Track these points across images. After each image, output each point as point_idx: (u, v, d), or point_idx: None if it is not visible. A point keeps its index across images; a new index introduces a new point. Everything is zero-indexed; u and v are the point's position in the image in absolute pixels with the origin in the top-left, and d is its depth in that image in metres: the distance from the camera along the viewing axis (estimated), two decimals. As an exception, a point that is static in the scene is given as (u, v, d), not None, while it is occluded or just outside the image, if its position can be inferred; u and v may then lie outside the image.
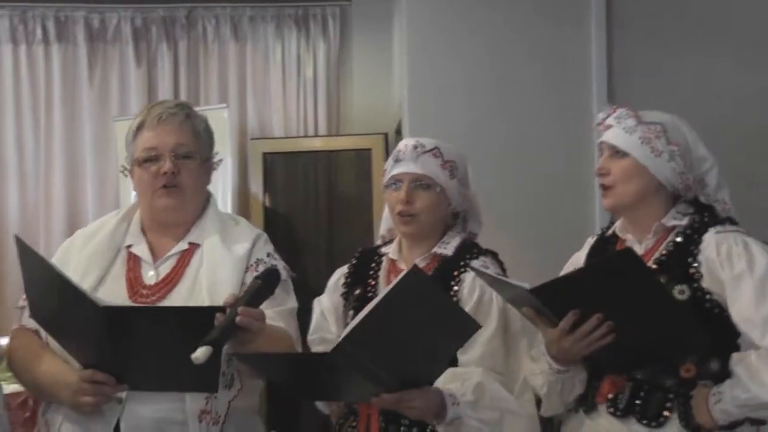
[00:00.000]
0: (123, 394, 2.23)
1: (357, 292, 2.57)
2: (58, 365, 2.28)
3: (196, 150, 2.43)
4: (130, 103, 5.88)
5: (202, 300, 2.32)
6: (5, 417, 2.35)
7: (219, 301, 2.18)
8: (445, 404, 2.30)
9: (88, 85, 5.89)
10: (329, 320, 2.66)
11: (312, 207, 5.68)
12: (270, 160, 5.61)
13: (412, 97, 4.61)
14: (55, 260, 2.41)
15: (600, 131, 2.50)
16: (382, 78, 5.77)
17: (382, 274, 2.61)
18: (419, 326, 2.11)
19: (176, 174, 2.38)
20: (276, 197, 5.61)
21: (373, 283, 2.60)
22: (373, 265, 2.65)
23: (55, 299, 2.18)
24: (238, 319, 2.06)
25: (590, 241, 2.59)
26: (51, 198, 5.85)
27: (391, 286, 2.15)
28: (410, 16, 4.63)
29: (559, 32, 4.53)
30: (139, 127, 2.43)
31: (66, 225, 5.80)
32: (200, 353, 2.00)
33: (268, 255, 2.47)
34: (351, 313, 2.53)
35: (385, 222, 2.74)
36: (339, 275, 2.71)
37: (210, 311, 2.10)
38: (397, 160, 2.59)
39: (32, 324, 2.36)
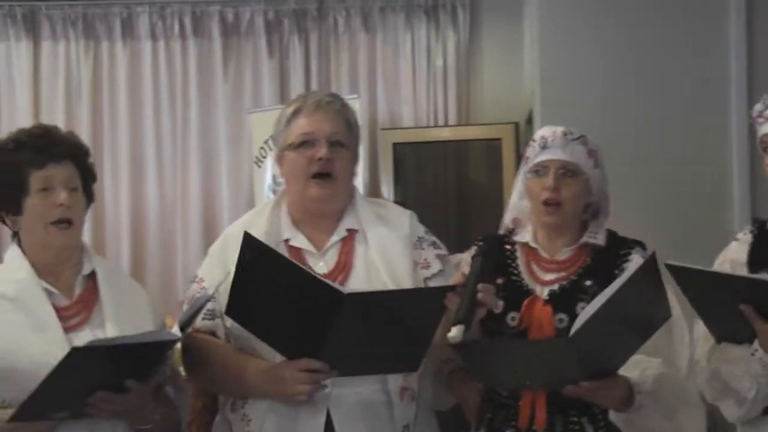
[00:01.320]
0: (328, 382, 2.26)
1: (499, 281, 2.50)
2: (262, 362, 2.33)
3: (349, 140, 2.47)
4: (263, 96, 5.98)
5: (384, 282, 2.35)
6: (185, 392, 2.44)
7: (400, 281, 2.29)
8: (633, 392, 2.28)
9: (222, 78, 6.02)
10: None
11: (441, 197, 5.67)
12: (399, 150, 5.63)
13: (544, 85, 4.55)
14: (213, 257, 2.47)
15: (759, 123, 2.39)
16: (512, 66, 5.72)
17: (520, 263, 2.56)
18: (635, 314, 2.15)
19: (331, 161, 2.41)
20: (405, 187, 5.62)
21: (516, 272, 2.55)
22: (507, 253, 2.59)
23: (284, 292, 2.19)
24: (480, 296, 2.15)
25: (745, 235, 2.46)
26: (187, 190, 6.00)
27: (625, 275, 2.18)
28: (542, 0, 4.56)
29: (700, 15, 4.38)
30: (295, 113, 2.46)
31: (201, 216, 5.95)
32: (456, 332, 2.09)
33: (426, 232, 2.53)
34: (501, 303, 2.47)
35: (511, 211, 2.68)
36: (456, 262, 2.67)
37: (441, 291, 2.18)
38: (543, 147, 2.53)
39: (207, 327, 2.42)
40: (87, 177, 2.40)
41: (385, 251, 2.41)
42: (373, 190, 5.66)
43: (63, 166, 2.31)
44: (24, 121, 5.84)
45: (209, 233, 5.85)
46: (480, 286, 2.17)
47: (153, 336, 2.18)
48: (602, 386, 2.22)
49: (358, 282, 2.36)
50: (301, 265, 2.23)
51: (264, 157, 5.54)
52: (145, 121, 6.03)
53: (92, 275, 2.37)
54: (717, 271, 2.32)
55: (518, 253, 2.58)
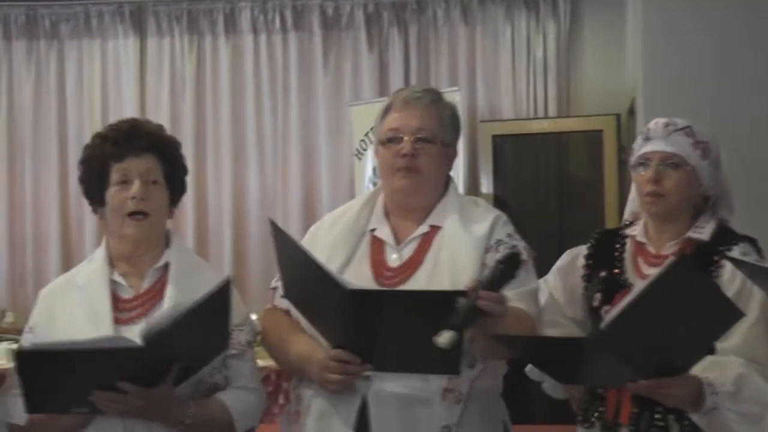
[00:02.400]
0: (370, 373, 2.26)
1: (602, 274, 2.48)
2: (308, 343, 2.34)
3: (438, 135, 2.45)
4: (363, 89, 6.02)
5: (443, 283, 2.32)
6: (263, 392, 2.45)
7: (460, 283, 2.19)
8: (703, 393, 2.22)
9: (322, 71, 6.07)
10: (561, 301, 2.62)
11: (541, 190, 5.62)
12: (499, 143, 5.60)
13: (646, 75, 4.46)
14: (305, 243, 2.49)
15: None
16: (614, 56, 5.63)
17: (627, 257, 2.52)
18: (681, 313, 2.07)
19: (415, 156, 2.41)
20: (504, 180, 5.59)
21: (619, 266, 2.52)
22: (617, 246, 2.56)
23: (306, 281, 2.25)
24: (481, 303, 2.08)
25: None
26: (288, 181, 6.07)
27: (656, 273, 2.12)
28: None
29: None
30: (387, 109, 2.48)
31: (302, 208, 6.03)
32: (444, 338, 2.03)
33: (509, 235, 2.44)
34: (599, 296, 2.44)
35: (630, 204, 2.65)
36: (573, 256, 2.64)
37: (451, 295, 2.11)
38: (646, 139, 2.50)
39: (284, 304, 2.44)
40: (173, 169, 2.41)
41: (455, 252, 2.38)
42: (472, 183, 5.64)
43: (142, 158, 2.33)
44: (130, 114, 5.98)
45: (309, 224, 5.86)
46: (482, 293, 2.08)
47: (107, 342, 2.13)
48: (661, 385, 2.16)
49: (421, 280, 2.35)
50: (313, 256, 2.22)
51: (364, 150, 5.57)
52: (246, 114, 6.13)
53: (168, 267, 2.39)
54: None
55: (627, 247, 2.55)
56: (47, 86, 6.20)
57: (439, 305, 2.10)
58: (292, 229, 5.96)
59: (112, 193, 2.31)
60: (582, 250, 2.62)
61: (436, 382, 2.29)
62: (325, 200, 5.98)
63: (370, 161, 5.52)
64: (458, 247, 2.38)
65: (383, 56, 6.07)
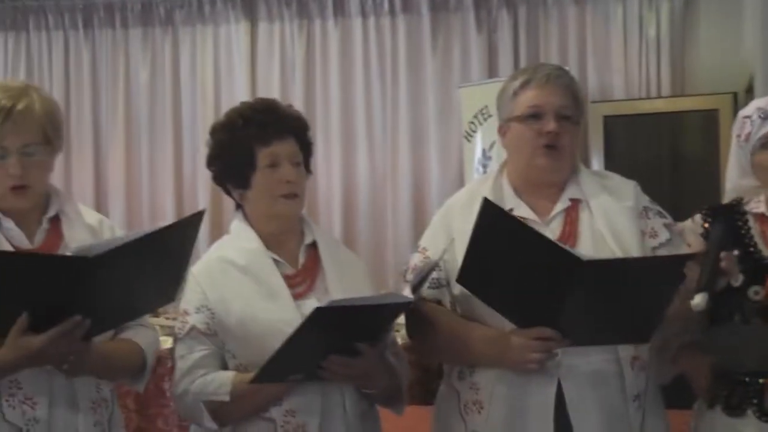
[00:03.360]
0: (558, 351, 2.27)
1: (736, 253, 2.41)
2: (488, 329, 2.35)
3: (575, 113, 2.47)
4: (472, 71, 5.98)
5: (612, 250, 2.35)
6: (404, 359, 2.49)
7: (630, 251, 2.31)
8: None
9: (431, 54, 6.06)
10: None
11: (654, 171, 5.51)
12: (610, 124, 5.50)
13: (765, 52, 4.32)
14: (434, 229, 2.51)
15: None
16: (731, 33, 5.47)
17: (756, 234, 2.46)
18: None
19: (558, 135, 2.41)
20: (616, 161, 5.49)
21: (752, 244, 2.45)
22: (739, 224, 2.50)
23: (520, 258, 2.21)
24: (723, 264, 2.15)
25: None
26: (397, 164, 6.09)
27: None
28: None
29: None
30: (524, 85, 2.47)
31: (411, 191, 6.03)
32: (699, 299, 2.09)
33: (650, 201, 2.53)
34: (741, 277, 2.39)
35: (730, 193, 2.57)
36: (682, 229, 2.58)
37: (684, 259, 2.17)
38: (766, 118, 2.44)
39: (432, 296, 2.46)
40: (306, 151, 2.46)
41: (611, 221, 2.40)
42: (584, 163, 5.55)
43: (287, 142, 2.38)
44: (242, 97, 6.08)
45: (419, 207, 5.93)
46: (722, 254, 2.15)
47: (389, 298, 2.24)
48: None
49: (585, 251, 2.33)
50: (540, 232, 2.24)
51: (474, 132, 5.55)
52: (356, 97, 6.16)
53: (313, 245, 2.45)
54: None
55: (751, 224, 2.48)
56: (162, 72, 6.34)
57: (667, 271, 2.16)
58: (401, 211, 6.00)
59: (261, 177, 2.36)
60: (689, 224, 2.55)
61: (626, 351, 2.32)
62: (435, 183, 5.98)
63: (479, 143, 5.49)
64: (613, 216, 2.42)
65: (492, 37, 6.02)
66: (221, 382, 2.26)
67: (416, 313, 2.43)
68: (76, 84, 6.37)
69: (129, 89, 6.36)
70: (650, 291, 2.15)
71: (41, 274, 1.98)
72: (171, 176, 6.28)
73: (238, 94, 6.12)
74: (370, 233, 6.06)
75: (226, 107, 6.07)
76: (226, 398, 2.25)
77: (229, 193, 2.47)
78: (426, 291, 2.45)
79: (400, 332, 2.56)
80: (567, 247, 2.21)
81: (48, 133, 2.25)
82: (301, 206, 2.44)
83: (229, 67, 6.29)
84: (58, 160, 2.38)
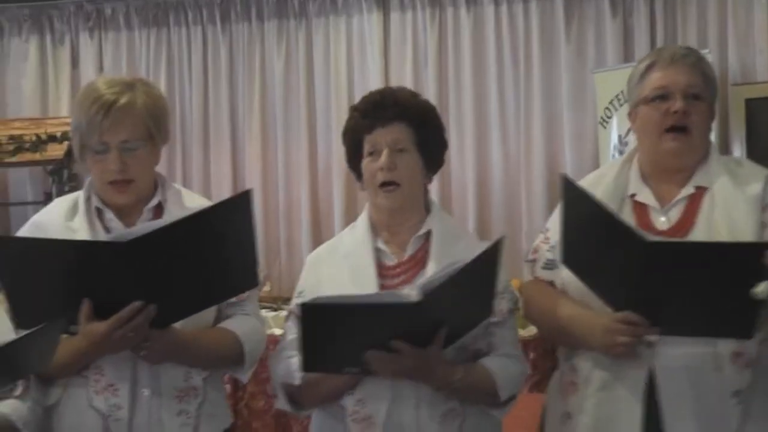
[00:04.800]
0: (654, 338, 2.22)
1: None
2: (583, 310, 2.32)
3: (705, 93, 2.40)
4: (607, 55, 5.87)
5: None
6: (524, 360, 2.44)
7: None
8: None
9: (565, 39, 5.96)
10: None
11: (801, 156, 5.30)
12: (752, 106, 5.32)
13: None
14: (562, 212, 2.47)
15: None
16: None
17: None
18: None
19: (687, 114, 2.35)
20: (758, 146, 5.31)
21: None
22: None
23: (596, 236, 2.19)
24: None
25: None
26: (531, 151, 6.02)
27: None
28: None
29: None
30: (649, 67, 2.43)
31: (545, 177, 5.95)
32: (764, 287, 1.99)
33: None
34: None
35: None
36: None
37: (760, 247, 2.08)
38: None
39: (546, 276, 2.43)
40: (425, 136, 2.38)
41: (730, 211, 2.31)
42: (723, 149, 5.39)
43: (390, 128, 2.32)
44: (375, 85, 6.11)
45: (553, 195, 5.84)
46: None
47: (386, 298, 2.12)
48: None
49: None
50: (607, 206, 2.18)
51: (609, 117, 5.44)
52: (488, 84, 6.12)
53: (429, 235, 2.38)
54: None
55: None
56: (296, 64, 6.41)
57: (743, 258, 2.05)
58: (535, 198, 5.95)
59: (365, 165, 2.36)
60: None
61: (726, 346, 2.23)
62: (569, 171, 5.87)
63: (615, 129, 5.39)
64: (733, 207, 2.32)
65: (627, 21, 5.89)
66: (293, 367, 2.26)
67: (523, 295, 2.42)
68: (213, 78, 6.50)
69: (264, 82, 6.46)
70: (731, 279, 2.03)
71: (84, 260, 2.01)
72: (306, 167, 6.35)
73: (372, 85, 6.13)
74: (504, 222, 6.01)
75: (359, 98, 6.15)
76: (297, 382, 2.26)
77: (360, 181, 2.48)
78: (539, 271, 2.45)
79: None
80: (631, 226, 2.14)
81: (150, 128, 2.27)
82: (406, 195, 2.34)
83: (362, 58, 6.33)
84: (197, 153, 2.42)
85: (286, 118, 6.42)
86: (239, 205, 2.11)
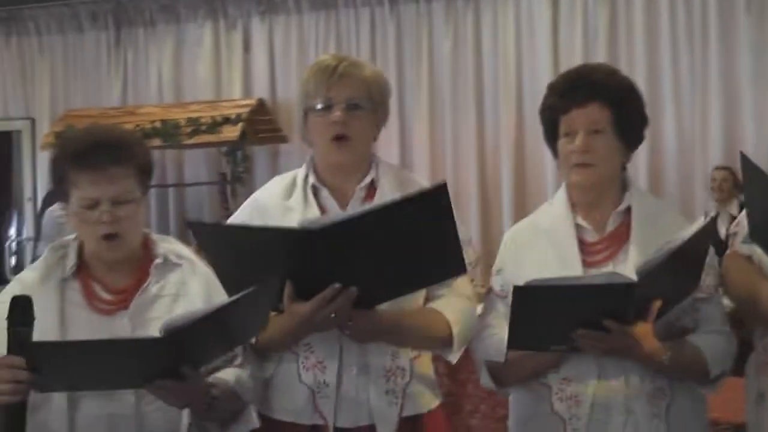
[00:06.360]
0: None
1: None
2: None
3: None
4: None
5: None
6: (733, 336, 2.38)
7: None
8: None
9: (745, 14, 5.76)
10: None
11: None
12: None
13: None
14: None
15: None
16: None
17: None
18: None
19: None
20: None
21: None
22: None
23: None
24: None
25: None
26: (707, 128, 5.87)
27: None
28: None
29: None
30: None
31: (723, 154, 5.78)
32: None
33: None
34: None
35: None
36: None
37: None
38: None
39: (745, 250, 2.36)
40: (624, 116, 2.29)
41: None
42: None
43: (586, 109, 2.26)
44: (544, 64, 6.09)
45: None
46: None
47: (601, 279, 2.08)
48: None
49: None
50: None
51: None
52: (662, 62, 5.99)
53: (629, 211, 2.32)
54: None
55: None
56: (464, 43, 6.41)
57: None
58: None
59: (560, 145, 2.33)
60: None
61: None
62: (749, 148, 5.66)
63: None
64: None
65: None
66: (499, 345, 2.23)
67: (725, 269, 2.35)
68: (381, 58, 6.56)
69: (432, 62, 6.47)
70: None
71: (285, 246, 2.05)
72: (473, 147, 6.35)
73: (540, 64, 6.10)
74: (677, 198, 5.87)
75: (527, 77, 6.19)
76: (501, 359, 2.24)
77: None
78: (739, 245, 2.36)
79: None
80: None
81: (373, 95, 2.31)
82: (596, 175, 2.27)
83: (530, 37, 6.27)
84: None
85: (454, 98, 6.42)
86: (435, 197, 2.10)
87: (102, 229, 2.02)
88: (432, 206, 2.09)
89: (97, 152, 2.02)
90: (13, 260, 7.05)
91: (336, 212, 2.16)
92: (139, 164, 2.08)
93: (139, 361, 1.88)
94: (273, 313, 2.14)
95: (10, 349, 1.83)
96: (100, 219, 2.01)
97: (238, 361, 2.12)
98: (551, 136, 2.36)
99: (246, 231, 2.16)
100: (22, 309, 1.84)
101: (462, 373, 4.57)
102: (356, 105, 2.28)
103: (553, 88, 2.36)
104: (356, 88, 2.28)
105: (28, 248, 6.75)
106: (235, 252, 2.10)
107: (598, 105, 2.28)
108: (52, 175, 2.10)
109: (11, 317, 1.84)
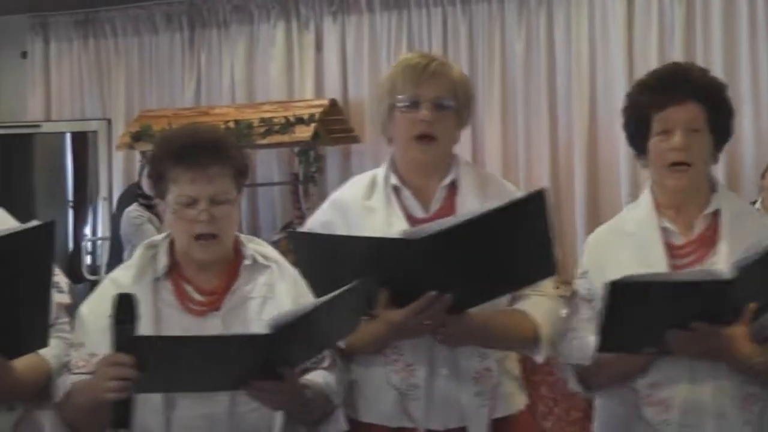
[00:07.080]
0: None
1: None
2: None
3: None
4: None
5: None
6: None
7: None
8: None
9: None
10: None
11: None
12: None
13: None
14: None
15: None
16: None
17: None
18: None
19: None
20: None
21: None
22: None
23: None
24: None
25: None
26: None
27: None
28: None
29: None
30: None
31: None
32: None
33: None
34: None
35: None
36: None
37: None
38: None
39: None
40: (717, 115, 2.29)
41: None
42: None
43: (683, 107, 2.24)
44: (618, 63, 6.01)
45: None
46: None
47: (698, 275, 2.06)
48: None
49: None
50: None
51: None
52: (740, 63, 5.87)
53: (717, 214, 2.30)
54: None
55: None
56: (537, 43, 6.35)
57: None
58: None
59: (653, 144, 2.29)
60: None
61: None
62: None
63: None
64: None
65: None
66: (586, 348, 2.22)
67: None
68: (453, 59, 6.49)
69: (505, 61, 6.43)
70: None
71: (380, 254, 2.08)
72: (546, 148, 6.30)
73: (614, 62, 6.04)
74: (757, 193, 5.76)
75: (601, 76, 6.11)
76: (587, 362, 2.22)
77: (638, 159, 2.42)
78: None
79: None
80: None
81: (459, 96, 2.31)
82: (693, 177, 2.25)
83: (604, 36, 6.19)
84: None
85: (527, 98, 6.37)
86: (536, 203, 2.11)
87: (198, 228, 2.04)
88: (532, 212, 2.10)
89: (198, 151, 2.05)
90: (88, 259, 7.18)
91: (436, 221, 2.15)
92: (236, 165, 2.10)
93: (240, 360, 1.89)
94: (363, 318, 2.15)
95: (118, 346, 1.85)
96: (198, 217, 2.03)
97: (326, 363, 2.13)
98: (638, 133, 2.32)
99: (344, 240, 2.18)
100: (128, 306, 1.86)
101: (536, 375, 4.54)
102: (443, 105, 2.29)
103: (644, 85, 2.33)
104: (445, 88, 2.29)
105: (104, 247, 6.85)
106: (330, 260, 2.12)
107: (695, 104, 2.25)
108: (151, 172, 2.13)
109: (117, 314, 1.86)
